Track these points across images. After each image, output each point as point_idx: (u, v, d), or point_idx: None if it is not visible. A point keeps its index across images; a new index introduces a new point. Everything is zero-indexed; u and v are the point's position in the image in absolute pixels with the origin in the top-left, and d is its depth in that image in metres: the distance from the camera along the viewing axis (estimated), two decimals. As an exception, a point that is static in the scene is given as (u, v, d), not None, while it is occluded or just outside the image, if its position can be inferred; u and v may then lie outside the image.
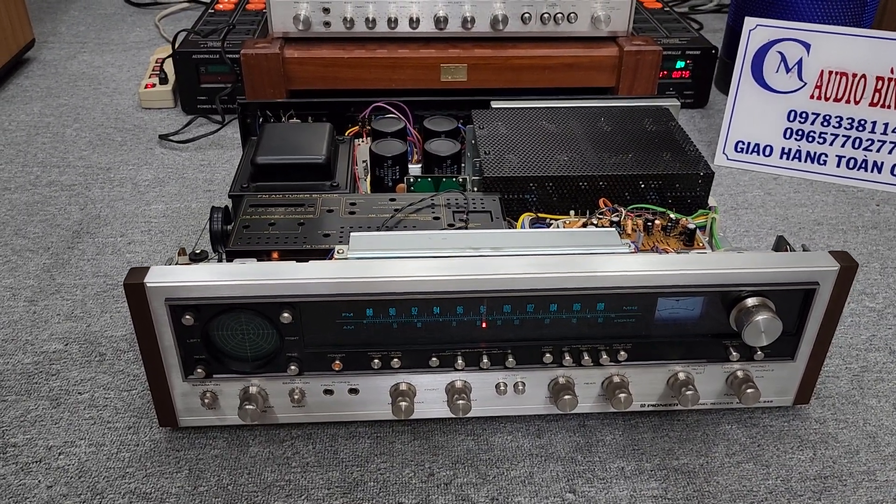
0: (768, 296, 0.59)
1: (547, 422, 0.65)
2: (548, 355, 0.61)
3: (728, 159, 1.06)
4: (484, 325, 0.60)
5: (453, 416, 0.62)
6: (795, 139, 1.03)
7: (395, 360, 0.60)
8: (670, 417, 0.66)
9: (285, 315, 0.56)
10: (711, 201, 0.77)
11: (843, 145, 1.01)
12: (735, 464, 0.62)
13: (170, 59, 1.22)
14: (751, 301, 0.59)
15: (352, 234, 0.63)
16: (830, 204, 0.98)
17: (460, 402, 0.60)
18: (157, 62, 1.26)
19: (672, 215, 0.72)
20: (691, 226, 0.70)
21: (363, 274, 0.57)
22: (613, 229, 0.65)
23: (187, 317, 0.56)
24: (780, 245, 0.65)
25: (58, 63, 1.36)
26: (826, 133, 1.02)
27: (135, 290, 0.55)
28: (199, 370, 0.59)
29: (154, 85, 1.20)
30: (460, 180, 0.77)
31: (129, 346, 0.73)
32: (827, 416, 0.66)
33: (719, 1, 1.70)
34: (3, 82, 1.27)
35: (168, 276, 0.56)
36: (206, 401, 0.60)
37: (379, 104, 0.88)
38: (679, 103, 0.88)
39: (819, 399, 0.68)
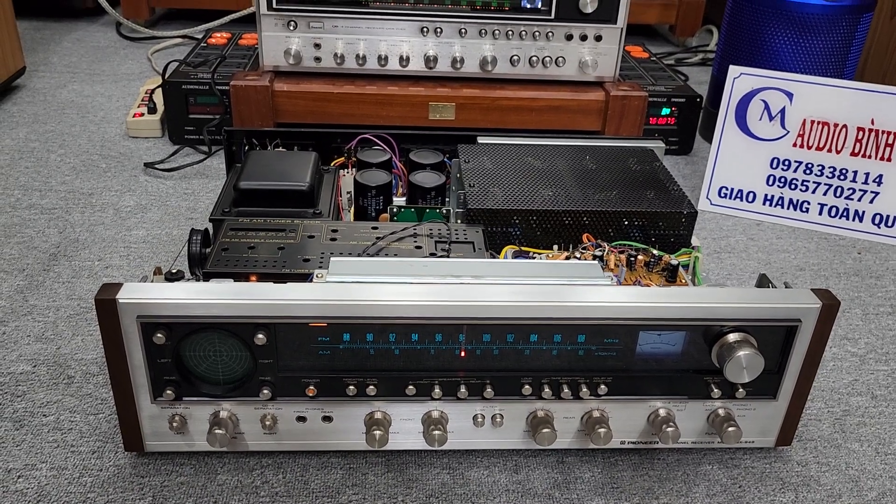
0: (750, 332, 0.58)
1: (525, 457, 0.64)
2: (527, 387, 0.59)
3: (712, 204, 1.07)
4: (463, 353, 0.59)
5: (429, 447, 0.60)
6: (778, 186, 1.04)
7: (371, 387, 0.58)
8: (650, 456, 0.65)
9: (259, 336, 0.55)
10: (695, 241, 0.77)
11: (825, 193, 1.02)
12: (716, 504, 0.60)
13: (159, 90, 1.22)
14: (732, 336, 0.58)
15: (332, 258, 0.63)
16: (813, 250, 0.98)
17: (436, 432, 0.59)
18: (146, 92, 1.26)
19: (655, 252, 0.72)
20: (674, 262, 0.70)
21: (341, 297, 0.56)
22: (596, 262, 0.65)
23: (159, 335, 0.54)
24: (763, 282, 0.65)
25: (47, 91, 1.36)
26: (808, 181, 1.03)
27: (106, 305, 0.54)
28: (168, 391, 0.57)
29: (142, 114, 1.20)
30: (444, 212, 0.77)
31: (99, 369, 0.71)
32: (809, 459, 0.65)
33: (704, 56, 1.74)
34: (-10, 107, 1.27)
35: (140, 293, 0.55)
36: (175, 424, 0.58)
37: (365, 136, 0.88)
38: (663, 145, 0.89)
39: (801, 441, 0.67)
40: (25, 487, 0.58)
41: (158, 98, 1.22)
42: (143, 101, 1.24)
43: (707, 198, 1.07)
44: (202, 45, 1.33)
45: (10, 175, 1.06)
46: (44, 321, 0.77)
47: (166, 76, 1.15)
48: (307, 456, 0.63)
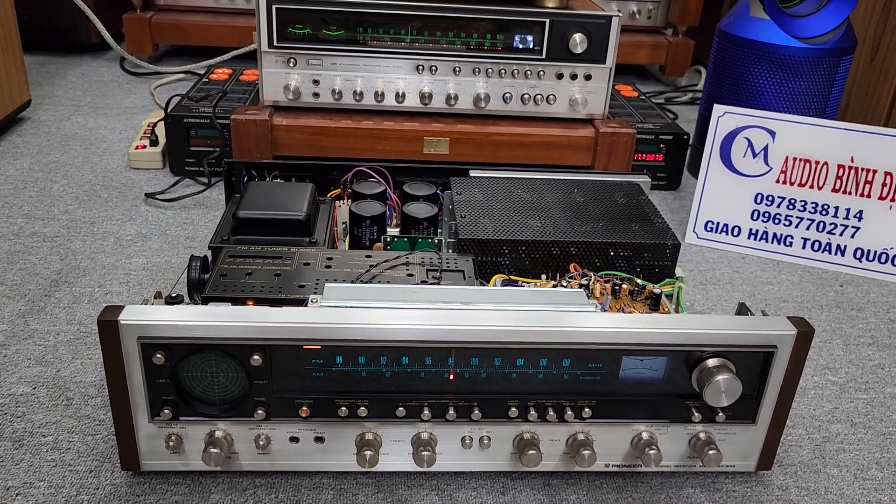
0: (729, 357, 0.60)
1: (512, 479, 0.65)
2: (513, 409, 0.61)
3: (698, 238, 1.10)
4: (451, 377, 0.61)
5: (418, 468, 0.62)
6: (762, 221, 1.07)
7: (363, 408, 0.60)
8: (634, 479, 0.66)
9: (255, 357, 0.57)
10: (679, 272, 0.80)
11: (807, 228, 1.05)
12: (697, 527, 0.62)
13: (161, 123, 1.26)
14: (712, 362, 0.60)
15: (326, 284, 0.65)
16: (796, 283, 1.01)
17: (425, 453, 0.60)
18: (148, 125, 1.29)
19: (639, 281, 0.74)
20: (657, 291, 0.72)
21: (335, 320, 0.58)
22: (582, 290, 0.67)
23: (158, 355, 0.56)
24: (742, 310, 0.67)
25: (51, 123, 1.39)
26: (791, 216, 1.06)
27: (108, 327, 0.56)
28: (166, 411, 0.59)
29: (144, 146, 1.23)
30: (436, 241, 0.79)
31: (98, 391, 0.73)
32: (789, 484, 0.67)
33: (693, 95, 1.78)
34: (-5, 139, 1.30)
35: (141, 315, 0.57)
36: (171, 443, 0.60)
37: (361, 168, 0.91)
38: (649, 179, 0.92)
39: (781, 467, 0.69)
40: (23, 505, 0.60)
41: (160, 131, 1.26)
42: (145, 133, 1.27)
43: (694, 231, 1.10)
44: (204, 80, 1.36)
45: (14, 204, 1.08)
46: (44, 345, 0.79)
47: (169, 109, 1.18)
48: (299, 476, 0.64)
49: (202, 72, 1.54)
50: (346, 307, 0.61)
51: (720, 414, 0.63)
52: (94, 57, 1.82)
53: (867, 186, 1.02)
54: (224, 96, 1.24)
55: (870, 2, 1.30)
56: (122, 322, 0.56)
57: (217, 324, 0.57)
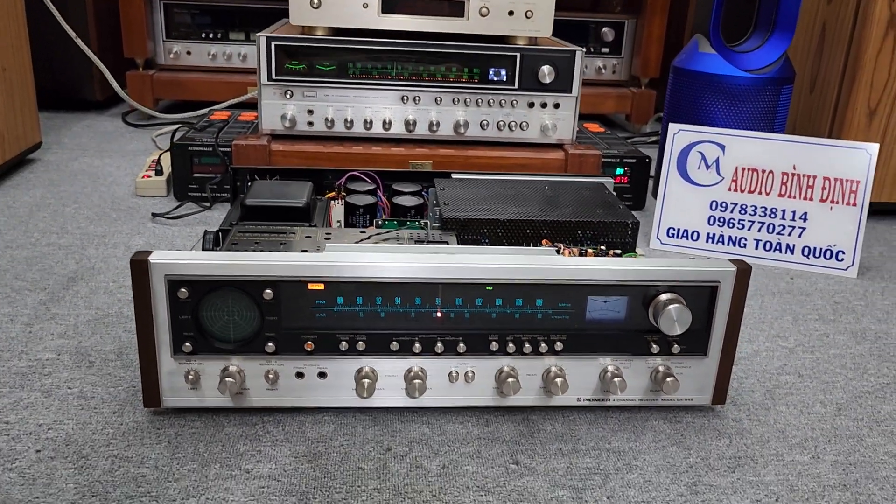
0: (679, 291, 0.69)
1: (494, 415, 0.73)
2: (494, 343, 0.70)
3: (661, 244, 1.20)
4: (439, 314, 0.69)
5: (411, 402, 0.70)
6: (718, 226, 1.18)
7: (361, 342, 0.68)
8: (604, 413, 0.74)
9: (268, 292, 0.66)
10: (639, 250, 0.89)
11: (759, 230, 1.16)
12: (661, 447, 0.69)
13: (166, 155, 1.36)
14: (665, 296, 0.69)
15: (327, 244, 0.74)
16: (751, 278, 1.11)
17: (417, 381, 0.68)
18: (153, 160, 1.39)
19: (603, 248, 0.84)
20: (618, 252, 0.82)
21: (336, 260, 0.67)
22: (552, 248, 0.77)
23: (183, 290, 0.65)
24: (692, 263, 0.77)
25: (60, 163, 1.49)
26: (744, 220, 1.17)
27: (139, 266, 0.64)
28: (187, 344, 0.66)
29: (150, 176, 1.33)
30: (422, 224, 0.89)
31: (117, 356, 0.80)
32: (742, 417, 0.75)
33: (657, 139, 1.92)
34: (9, 174, 1.39)
35: (169, 257, 0.65)
36: (190, 377, 0.67)
37: (354, 173, 1.01)
38: (612, 181, 1.03)
39: (736, 405, 0.77)
40: (55, 436, 0.66)
41: (165, 162, 1.36)
42: (150, 166, 1.37)
43: (657, 238, 1.20)
44: (205, 119, 1.48)
45: (30, 222, 1.17)
46: (65, 324, 0.86)
47: (174, 139, 1.29)
48: (304, 413, 0.71)
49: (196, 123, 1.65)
50: (346, 253, 0.70)
51: (675, 346, 0.71)
52: (97, 113, 1.93)
53: (809, 191, 1.14)
54: (226, 127, 1.35)
55: (806, 40, 1.46)
56: (152, 262, 0.64)
57: (235, 263, 0.65)
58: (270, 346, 0.67)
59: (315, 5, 1.21)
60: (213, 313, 0.67)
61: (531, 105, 1.27)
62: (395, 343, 0.69)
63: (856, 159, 1.11)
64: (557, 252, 0.82)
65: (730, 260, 0.71)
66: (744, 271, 0.70)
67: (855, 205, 1.12)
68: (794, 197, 1.14)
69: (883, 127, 1.32)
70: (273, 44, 1.21)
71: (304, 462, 0.65)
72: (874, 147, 1.11)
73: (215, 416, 0.70)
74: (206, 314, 0.67)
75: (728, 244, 1.18)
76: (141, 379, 0.68)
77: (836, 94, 1.37)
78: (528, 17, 1.25)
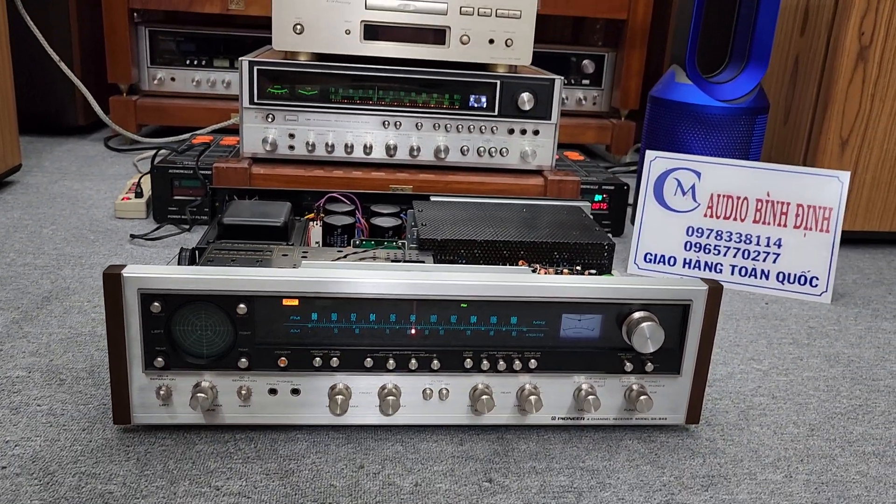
0: (652, 310, 0.70)
1: (469, 433, 0.73)
2: (468, 360, 0.70)
3: (639, 268, 1.21)
4: (413, 331, 0.69)
5: (385, 420, 0.69)
6: (694, 251, 1.19)
7: (335, 359, 0.68)
8: (579, 432, 0.74)
9: (241, 307, 0.65)
10: (615, 272, 0.90)
11: (734, 256, 1.17)
12: (635, 465, 0.69)
13: (146, 177, 1.36)
14: (638, 314, 0.70)
15: (303, 261, 0.74)
16: (726, 302, 1.12)
17: (390, 398, 0.68)
18: (133, 183, 1.39)
19: (578, 268, 0.85)
20: (594, 273, 0.82)
21: (311, 276, 0.67)
22: (527, 267, 0.77)
23: (155, 304, 0.64)
24: (665, 283, 0.77)
25: (40, 186, 1.48)
26: (720, 246, 1.18)
27: (112, 279, 0.64)
28: (159, 359, 0.66)
29: (129, 198, 1.32)
30: (399, 244, 0.89)
31: (89, 374, 0.79)
32: (716, 436, 0.75)
33: (637, 169, 1.95)
34: (-14, 196, 1.38)
35: (142, 271, 0.65)
36: (162, 393, 0.67)
37: (333, 195, 1.02)
38: (590, 205, 1.04)
39: (710, 426, 0.77)
40: (22, 453, 0.65)
41: (146, 185, 1.36)
42: (130, 189, 1.37)
43: (635, 263, 1.21)
44: (187, 143, 1.48)
45: (6, 242, 1.16)
46: (37, 342, 0.85)
47: (155, 162, 1.29)
48: (276, 431, 0.71)
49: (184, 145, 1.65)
50: (322, 270, 0.70)
51: (649, 364, 0.71)
52: (80, 137, 1.93)
53: (783, 217, 1.15)
54: (207, 150, 1.36)
55: (780, 74, 1.49)
56: (125, 275, 0.64)
57: (209, 277, 0.65)
58: (244, 362, 0.67)
59: (298, 31, 1.22)
60: (186, 328, 0.67)
61: (511, 132, 1.29)
62: (369, 359, 0.69)
63: (828, 187, 1.13)
64: (534, 272, 0.83)
65: (701, 279, 0.72)
66: (715, 290, 0.71)
67: (828, 231, 1.13)
68: (769, 223, 1.16)
69: (855, 156, 1.35)
70: (256, 68, 1.22)
71: (275, 479, 0.64)
72: (846, 175, 1.13)
73: (186, 434, 0.70)
74: (178, 329, 0.67)
75: (704, 269, 1.19)
76: (111, 394, 0.67)
77: (809, 123, 1.39)
78: (508, 46, 1.27)
